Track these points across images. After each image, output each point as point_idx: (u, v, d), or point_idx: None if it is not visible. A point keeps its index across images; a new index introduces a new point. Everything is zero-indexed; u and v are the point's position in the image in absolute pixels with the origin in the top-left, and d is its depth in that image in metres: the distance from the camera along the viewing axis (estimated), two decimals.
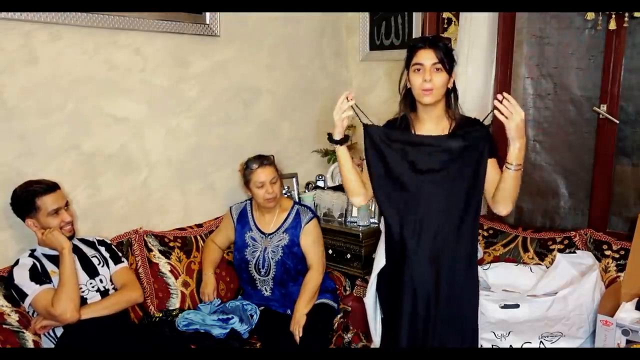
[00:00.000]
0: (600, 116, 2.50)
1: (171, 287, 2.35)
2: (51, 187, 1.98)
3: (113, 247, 2.21)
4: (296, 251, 2.39)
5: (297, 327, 2.21)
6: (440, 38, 1.73)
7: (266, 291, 2.41)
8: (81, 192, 2.24)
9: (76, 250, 2.05)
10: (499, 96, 1.55)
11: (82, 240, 2.14)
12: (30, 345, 1.90)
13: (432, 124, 1.75)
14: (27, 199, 1.94)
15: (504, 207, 1.69)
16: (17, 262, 1.96)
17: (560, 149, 2.73)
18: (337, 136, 1.73)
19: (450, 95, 1.74)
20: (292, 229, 2.41)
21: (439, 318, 1.70)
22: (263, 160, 2.38)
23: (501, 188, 1.65)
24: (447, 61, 1.68)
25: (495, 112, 1.56)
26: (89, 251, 2.10)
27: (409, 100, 1.77)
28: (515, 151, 1.59)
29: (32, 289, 1.88)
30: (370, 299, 1.93)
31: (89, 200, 2.27)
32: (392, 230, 1.75)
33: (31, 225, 1.96)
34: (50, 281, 1.92)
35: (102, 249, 2.16)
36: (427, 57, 1.67)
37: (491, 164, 1.69)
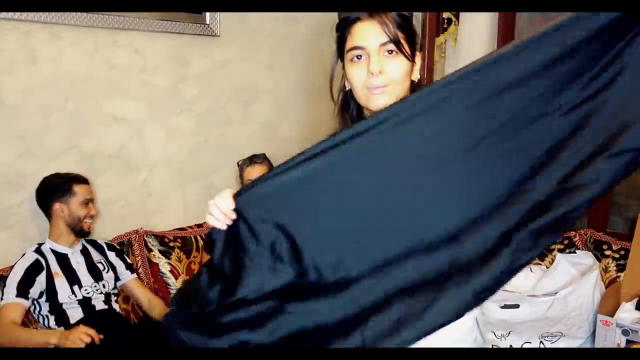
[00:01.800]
0: None
1: (171, 287, 2.35)
2: (85, 180, 2.06)
3: (124, 255, 2.22)
4: None
5: None
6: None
7: None
8: None
9: (84, 251, 2.08)
10: None
11: (91, 243, 2.15)
12: None
13: None
14: (63, 184, 1.98)
15: None
16: (23, 255, 1.96)
17: None
18: None
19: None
20: None
21: None
22: (253, 159, 2.40)
23: None
24: (406, 37, 1.02)
25: None
26: (95, 256, 2.12)
27: (351, 108, 1.14)
28: None
29: (7, 296, 1.86)
30: None
31: None
32: None
33: (57, 210, 1.98)
34: (28, 297, 1.88)
35: (112, 255, 2.17)
36: (369, 35, 1.04)
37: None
